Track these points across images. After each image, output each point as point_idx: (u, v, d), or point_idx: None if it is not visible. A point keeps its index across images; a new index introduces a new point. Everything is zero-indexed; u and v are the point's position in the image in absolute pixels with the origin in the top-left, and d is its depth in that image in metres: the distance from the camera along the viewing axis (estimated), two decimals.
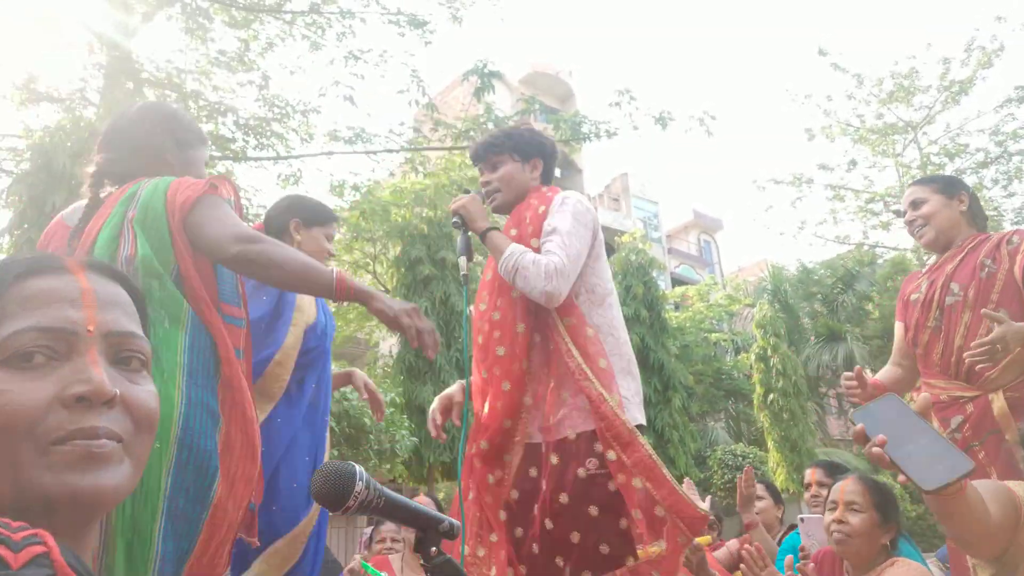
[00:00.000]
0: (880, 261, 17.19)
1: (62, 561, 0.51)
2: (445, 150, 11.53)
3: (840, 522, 2.14)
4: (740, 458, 13.13)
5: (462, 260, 2.15)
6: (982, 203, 2.92)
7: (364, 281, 14.92)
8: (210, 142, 9.92)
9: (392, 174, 12.48)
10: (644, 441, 1.87)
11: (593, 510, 1.87)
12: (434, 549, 1.00)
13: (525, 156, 2.25)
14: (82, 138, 7.69)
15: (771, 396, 13.58)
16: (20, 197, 7.43)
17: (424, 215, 12.42)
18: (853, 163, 17.64)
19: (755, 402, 14.24)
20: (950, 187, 2.55)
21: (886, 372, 2.65)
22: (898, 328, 2.65)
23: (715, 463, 13.35)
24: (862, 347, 15.07)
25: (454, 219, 2.18)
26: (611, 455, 1.86)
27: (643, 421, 2.03)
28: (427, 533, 1.01)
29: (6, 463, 0.63)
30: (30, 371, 0.66)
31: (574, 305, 2.05)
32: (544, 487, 1.94)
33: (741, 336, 17.54)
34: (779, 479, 12.99)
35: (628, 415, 1.93)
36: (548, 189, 2.24)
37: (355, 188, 12.01)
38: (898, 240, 18.01)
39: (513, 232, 2.14)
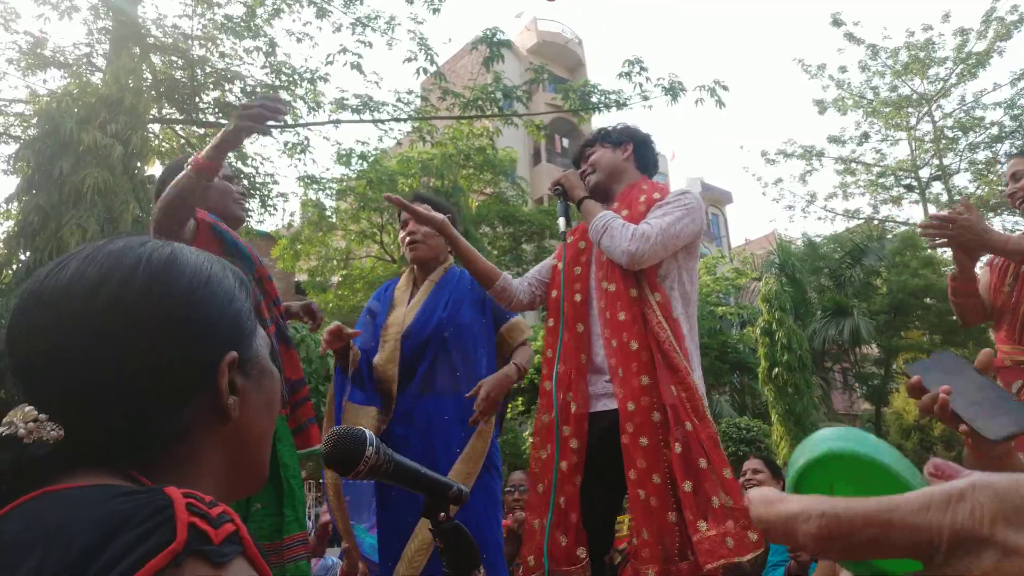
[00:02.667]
0: (889, 236, 17.05)
1: (250, 540, 0.54)
2: (453, 120, 11.44)
3: None
4: (744, 431, 13.19)
5: (561, 221, 2.29)
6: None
7: (371, 250, 14.93)
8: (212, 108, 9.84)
9: (399, 143, 12.40)
10: (712, 421, 2.01)
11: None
12: (443, 514, 1.01)
13: (616, 143, 2.39)
14: (89, 104, 7.66)
15: (776, 370, 13.58)
16: (28, 163, 7.43)
17: (431, 184, 12.36)
18: (865, 136, 17.44)
19: (760, 376, 14.26)
20: None
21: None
22: (983, 273, 2.67)
23: (720, 436, 13.43)
24: (868, 322, 15.03)
25: (556, 187, 2.33)
26: (688, 426, 1.97)
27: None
28: (436, 499, 1.01)
29: (271, 438, 0.74)
30: None
31: (661, 287, 2.14)
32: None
33: (747, 310, 17.51)
34: (782, 453, 13.06)
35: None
36: (653, 185, 2.33)
37: (362, 157, 11.96)
38: (908, 215, 17.88)
39: (624, 213, 2.22)
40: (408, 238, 2.63)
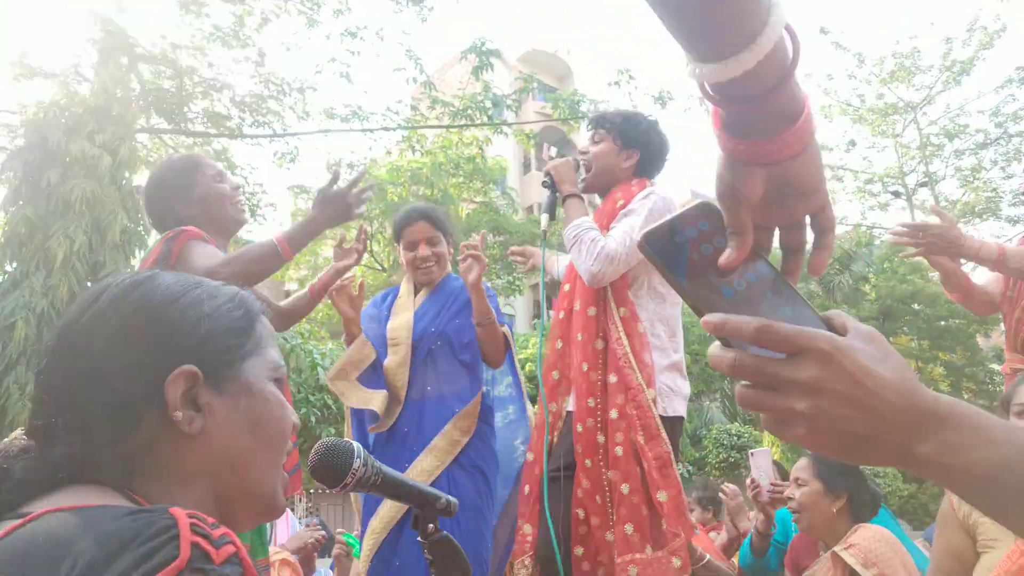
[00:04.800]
0: (877, 243, 17.17)
1: (250, 562, 0.56)
2: (442, 128, 11.45)
3: (790, 499, 2.30)
4: (735, 437, 13.21)
5: (544, 217, 2.23)
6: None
7: (361, 259, 14.78)
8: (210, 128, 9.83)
9: (389, 152, 12.40)
10: (666, 439, 1.99)
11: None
12: (431, 526, 1.01)
13: (625, 143, 2.28)
14: (76, 114, 7.62)
15: None
16: (15, 173, 7.37)
17: (421, 193, 12.36)
18: (852, 143, 17.57)
19: None
20: None
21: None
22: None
23: (711, 442, 13.43)
24: None
25: (545, 177, 2.26)
26: (640, 439, 1.97)
27: (683, 413, 2.15)
28: (425, 510, 1.01)
29: (270, 463, 0.74)
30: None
31: (627, 299, 2.12)
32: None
33: None
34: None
35: (670, 406, 2.07)
36: (636, 183, 2.25)
37: (351, 166, 11.95)
38: (896, 221, 17.99)
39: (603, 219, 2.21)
40: (421, 262, 2.55)
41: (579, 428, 2.04)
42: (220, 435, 0.69)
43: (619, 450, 1.98)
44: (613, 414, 2.02)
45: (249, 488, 0.72)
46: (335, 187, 1.99)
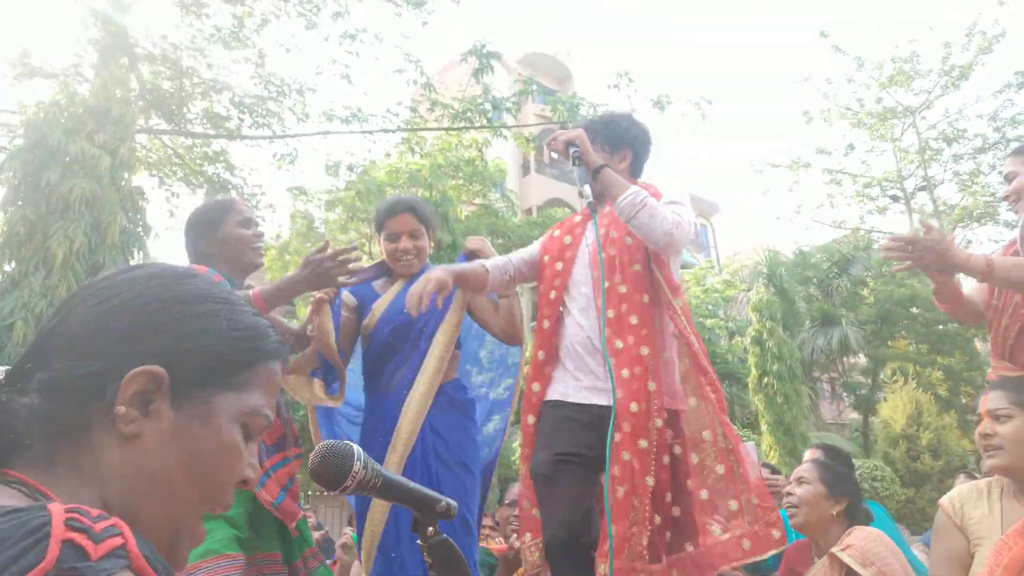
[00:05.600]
0: (876, 246, 17.18)
1: (138, 552, 0.52)
2: (442, 131, 11.45)
3: (789, 494, 2.32)
4: None
5: (587, 188, 2.16)
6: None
7: (360, 262, 14.79)
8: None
9: (388, 154, 12.40)
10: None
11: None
12: (431, 529, 1.01)
13: (614, 146, 2.28)
14: (76, 114, 7.61)
15: (766, 379, 13.62)
16: (14, 173, 7.36)
17: (419, 195, 12.36)
18: (851, 147, 17.60)
19: (750, 385, 14.28)
20: None
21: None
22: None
23: None
24: (857, 331, 15.11)
25: (572, 148, 2.17)
26: (711, 431, 2.04)
27: None
28: (424, 513, 1.01)
29: (183, 507, 0.66)
30: (244, 443, 0.71)
31: (680, 292, 2.15)
32: (681, 450, 2.09)
33: (736, 321, 17.58)
34: (772, 462, 13.08)
35: None
36: (646, 185, 2.25)
37: (350, 168, 11.94)
38: (894, 225, 18.02)
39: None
40: (402, 254, 2.54)
41: (633, 407, 2.02)
42: (150, 450, 0.64)
43: (714, 428, 2.03)
44: (706, 393, 2.06)
45: (149, 522, 0.64)
46: (322, 255, 2.07)
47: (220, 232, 2.26)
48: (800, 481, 2.32)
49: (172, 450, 0.65)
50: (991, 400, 1.94)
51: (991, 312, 2.44)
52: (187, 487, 0.66)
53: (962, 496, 1.97)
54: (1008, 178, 2.46)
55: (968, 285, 2.58)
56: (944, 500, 2.00)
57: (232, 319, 0.71)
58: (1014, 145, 15.24)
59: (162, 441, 0.64)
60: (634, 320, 2.09)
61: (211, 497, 0.68)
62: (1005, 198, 2.48)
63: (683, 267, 2.50)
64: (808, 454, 3.34)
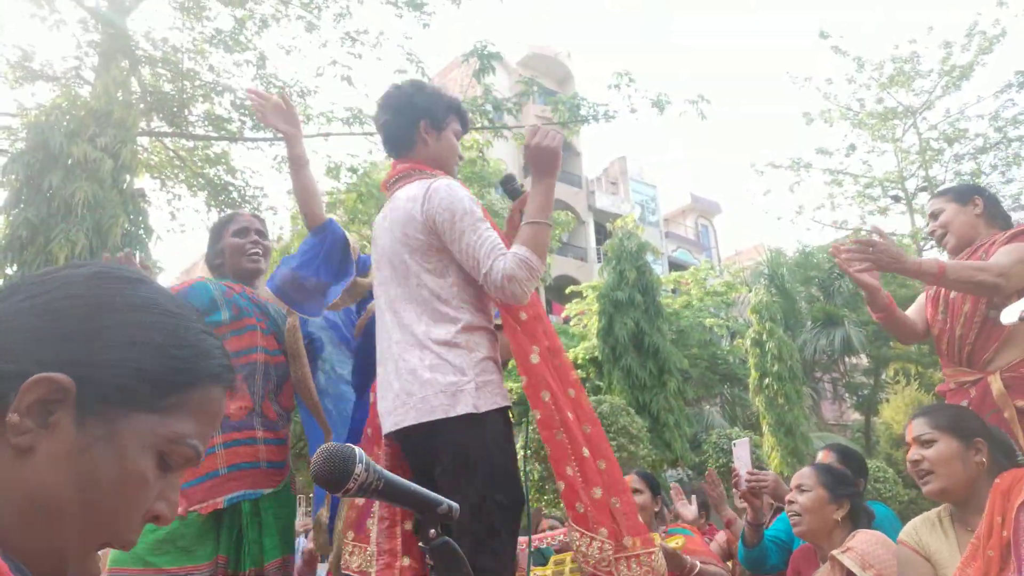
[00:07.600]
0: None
1: (5, 568, 0.48)
2: None
3: (791, 503, 2.34)
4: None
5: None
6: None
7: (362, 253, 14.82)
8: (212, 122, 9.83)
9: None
10: None
11: None
12: (433, 531, 1.01)
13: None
14: (77, 117, 7.63)
15: (767, 380, 13.62)
16: (16, 176, 7.38)
17: None
18: (852, 148, 17.58)
19: (751, 386, 14.28)
20: (963, 193, 2.64)
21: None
22: (920, 299, 2.78)
23: (710, 447, 13.41)
24: (859, 332, 15.10)
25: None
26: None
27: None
28: (426, 515, 1.01)
29: (72, 536, 0.58)
30: (159, 472, 0.63)
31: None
32: None
33: (735, 322, 17.56)
34: (774, 463, 13.07)
35: None
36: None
37: (352, 170, 11.94)
38: (896, 226, 18.02)
39: None
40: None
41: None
42: (41, 467, 0.57)
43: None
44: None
45: (29, 547, 0.56)
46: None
47: (221, 243, 2.47)
48: (800, 489, 2.33)
49: (66, 470, 0.57)
50: (915, 428, 2.04)
51: (938, 326, 2.58)
52: (78, 514, 0.58)
53: (917, 528, 2.03)
54: (935, 215, 2.66)
55: (910, 307, 2.78)
56: (903, 535, 2.05)
57: (172, 334, 0.63)
58: (1015, 146, 15.23)
59: (56, 459, 0.57)
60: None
61: (107, 530, 0.60)
62: (931, 233, 2.64)
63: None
64: (821, 455, 3.30)
